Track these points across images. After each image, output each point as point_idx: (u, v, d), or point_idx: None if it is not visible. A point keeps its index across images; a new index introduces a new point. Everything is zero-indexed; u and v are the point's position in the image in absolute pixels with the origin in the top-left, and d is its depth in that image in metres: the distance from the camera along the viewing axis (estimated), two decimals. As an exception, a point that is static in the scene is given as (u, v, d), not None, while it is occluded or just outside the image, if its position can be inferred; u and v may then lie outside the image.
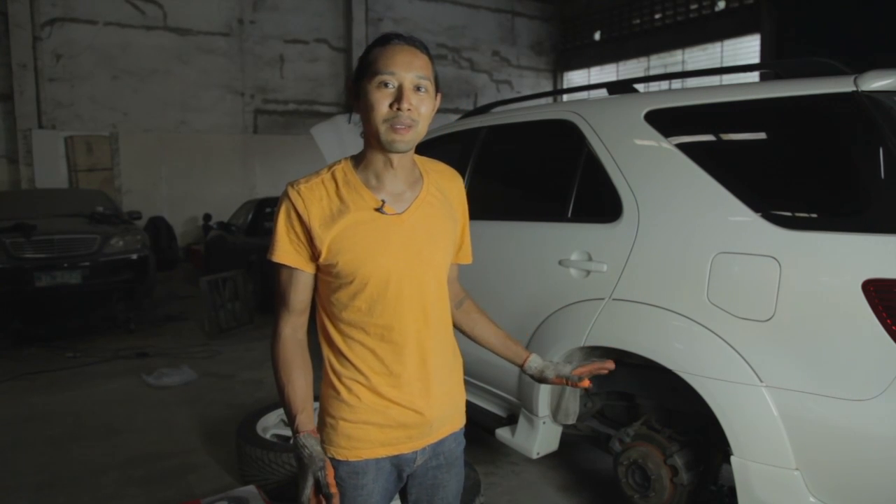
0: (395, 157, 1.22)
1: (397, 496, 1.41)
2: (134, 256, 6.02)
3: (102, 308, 6.19)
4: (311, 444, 1.22)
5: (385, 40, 1.20)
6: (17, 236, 5.51)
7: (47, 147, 9.73)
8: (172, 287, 8.68)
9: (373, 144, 1.22)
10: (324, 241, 1.20)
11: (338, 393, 1.26)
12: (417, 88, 1.18)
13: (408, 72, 1.16)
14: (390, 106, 1.16)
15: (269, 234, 1.29)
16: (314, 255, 1.23)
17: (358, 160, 1.28)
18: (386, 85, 1.16)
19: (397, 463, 1.31)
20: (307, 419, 1.24)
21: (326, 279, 1.25)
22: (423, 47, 1.22)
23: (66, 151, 9.90)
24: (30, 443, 3.47)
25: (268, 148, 11.64)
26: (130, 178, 10.52)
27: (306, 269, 1.24)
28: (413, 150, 1.27)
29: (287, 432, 3.12)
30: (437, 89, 1.25)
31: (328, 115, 10.44)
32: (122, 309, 6.16)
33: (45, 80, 9.76)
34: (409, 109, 1.16)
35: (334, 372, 1.27)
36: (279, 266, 1.25)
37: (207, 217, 9.74)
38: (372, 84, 1.17)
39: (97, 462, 3.21)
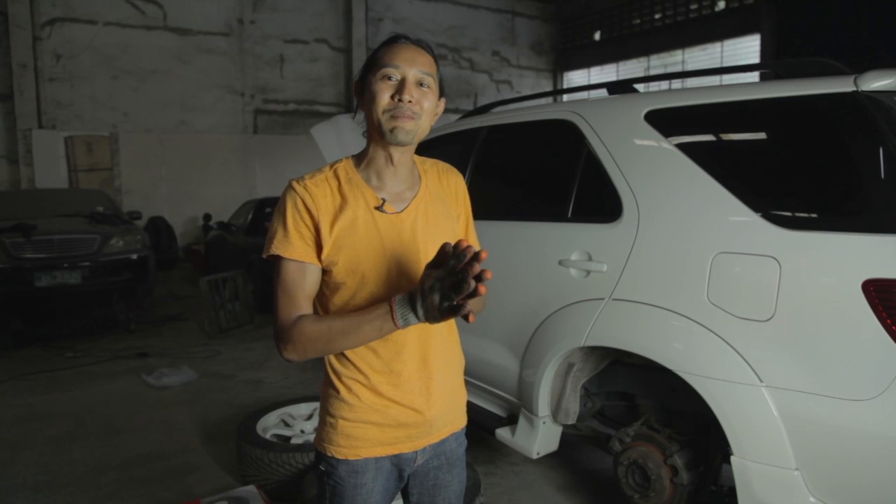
0: (395, 154, 1.23)
1: (399, 497, 1.41)
2: (134, 256, 6.02)
3: (102, 308, 6.19)
4: (403, 295, 1.10)
5: (392, 40, 1.24)
6: (17, 236, 5.51)
7: (47, 147, 9.73)
8: (172, 287, 8.68)
9: (375, 139, 1.24)
10: (327, 239, 1.20)
11: (337, 392, 1.26)
12: (420, 84, 1.20)
13: (411, 66, 1.19)
14: (392, 97, 1.18)
15: (267, 236, 1.25)
16: (319, 251, 1.22)
17: (359, 159, 1.29)
18: (389, 78, 1.19)
19: (397, 462, 1.30)
20: (378, 304, 1.14)
21: (325, 278, 1.25)
22: (428, 48, 1.25)
23: (66, 151, 9.91)
24: (30, 443, 3.47)
25: (268, 148, 11.65)
26: (130, 178, 10.52)
27: (317, 264, 1.22)
28: (413, 149, 1.28)
29: (287, 432, 3.12)
30: (442, 93, 1.27)
31: (328, 115, 10.43)
32: (122, 309, 6.16)
33: (45, 80, 9.76)
34: (410, 101, 1.18)
35: (334, 371, 1.27)
36: (287, 261, 1.21)
37: (207, 217, 9.74)
38: (376, 77, 1.20)
39: (97, 462, 3.21)
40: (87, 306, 6.13)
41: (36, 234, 5.59)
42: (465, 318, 1.02)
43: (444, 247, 1.05)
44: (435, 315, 1.06)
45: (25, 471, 3.13)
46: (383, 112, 1.19)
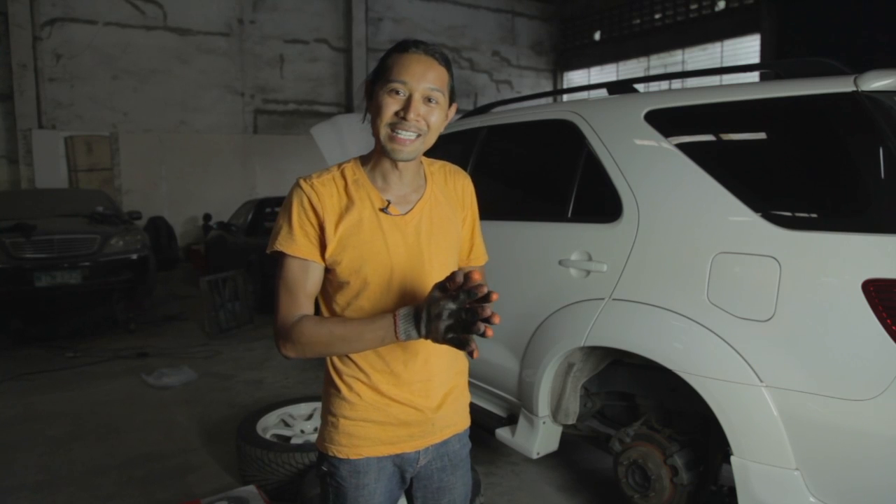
0: (400, 162, 1.23)
1: (404, 499, 1.41)
2: (134, 256, 6.02)
3: (102, 308, 6.19)
4: (407, 310, 1.10)
5: (404, 47, 1.20)
6: (17, 236, 5.51)
7: (47, 147, 9.73)
8: (172, 287, 8.68)
9: (379, 148, 1.24)
10: (332, 238, 1.20)
11: (339, 391, 1.27)
12: (428, 100, 1.18)
13: (420, 83, 1.17)
14: (396, 113, 1.17)
15: (272, 232, 1.26)
16: (322, 250, 1.22)
17: (366, 160, 1.29)
18: (397, 92, 1.17)
19: (399, 463, 1.30)
20: (381, 314, 1.15)
21: (329, 277, 1.25)
22: (441, 58, 1.21)
23: (66, 151, 9.90)
24: (30, 443, 3.46)
25: (268, 148, 11.64)
26: (130, 178, 10.52)
27: (320, 262, 1.23)
28: (419, 156, 1.27)
29: (287, 432, 3.12)
30: (452, 100, 1.25)
31: (328, 115, 10.43)
32: (122, 309, 6.16)
33: (45, 80, 9.76)
34: (416, 119, 1.17)
35: (335, 370, 1.28)
36: (291, 258, 1.21)
37: (207, 217, 9.74)
38: (383, 89, 1.18)
39: (97, 462, 3.21)
40: (87, 306, 6.13)
41: (36, 234, 5.58)
42: (470, 354, 1.02)
43: (454, 274, 1.03)
44: (438, 339, 1.06)
45: (25, 471, 3.13)
46: (386, 126, 1.18)
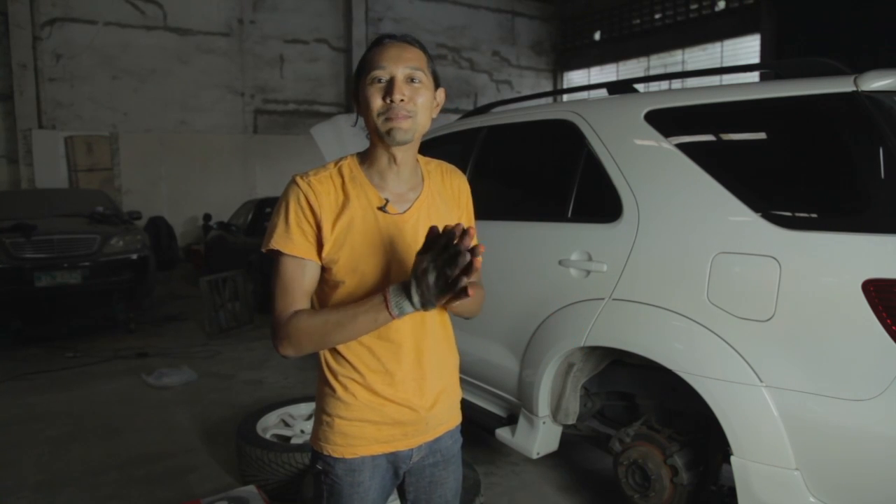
0: (398, 153, 1.23)
1: (396, 496, 1.41)
2: (134, 256, 6.02)
3: (102, 308, 6.20)
4: (397, 284, 1.11)
5: (378, 41, 1.23)
6: (17, 236, 5.51)
7: (47, 147, 9.72)
8: (172, 287, 8.68)
9: (376, 142, 1.24)
10: (328, 237, 1.20)
11: (334, 391, 1.27)
12: (411, 80, 1.19)
13: (397, 64, 1.18)
14: (384, 99, 1.18)
15: (267, 230, 1.24)
16: (319, 249, 1.22)
17: (363, 158, 1.29)
18: (378, 80, 1.19)
19: (393, 460, 1.31)
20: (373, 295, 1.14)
21: (325, 276, 1.25)
22: (414, 41, 1.24)
23: (66, 151, 9.89)
24: (30, 443, 3.46)
25: (268, 148, 11.64)
26: (130, 178, 10.51)
27: (317, 261, 1.22)
28: (416, 149, 1.28)
29: (287, 432, 3.12)
30: (438, 84, 1.26)
31: (328, 115, 10.43)
32: (122, 309, 6.16)
33: (45, 80, 9.75)
34: (402, 100, 1.17)
35: (330, 370, 1.28)
36: (287, 257, 1.20)
37: (207, 217, 9.74)
38: (366, 81, 1.20)
39: (97, 462, 3.21)
40: (87, 306, 6.13)
41: (36, 234, 5.58)
42: (465, 293, 1.01)
43: (431, 230, 1.04)
44: (431, 298, 1.06)
45: (25, 471, 3.12)
46: (378, 115, 1.19)
